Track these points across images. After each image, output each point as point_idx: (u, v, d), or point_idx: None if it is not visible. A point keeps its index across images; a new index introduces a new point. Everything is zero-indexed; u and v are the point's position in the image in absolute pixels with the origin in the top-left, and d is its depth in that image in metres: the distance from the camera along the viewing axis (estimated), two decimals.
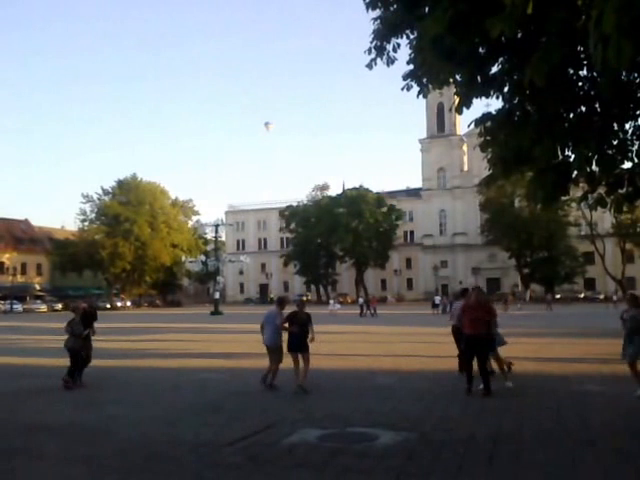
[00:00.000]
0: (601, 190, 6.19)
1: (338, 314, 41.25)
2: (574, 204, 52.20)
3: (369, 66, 6.80)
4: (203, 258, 67.33)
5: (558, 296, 65.34)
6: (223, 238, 76.47)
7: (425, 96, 7.10)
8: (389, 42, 6.63)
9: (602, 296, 66.01)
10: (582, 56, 5.76)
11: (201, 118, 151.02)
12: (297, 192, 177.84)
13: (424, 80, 6.68)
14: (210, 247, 72.64)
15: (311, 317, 10.07)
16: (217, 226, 59.86)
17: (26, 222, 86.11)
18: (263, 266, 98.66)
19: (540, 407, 8.47)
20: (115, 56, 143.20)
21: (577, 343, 17.97)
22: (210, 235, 63.40)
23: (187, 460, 5.99)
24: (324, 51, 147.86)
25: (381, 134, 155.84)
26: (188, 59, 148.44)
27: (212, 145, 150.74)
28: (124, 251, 73.84)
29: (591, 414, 7.95)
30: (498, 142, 6.62)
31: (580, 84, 6.17)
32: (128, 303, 75.01)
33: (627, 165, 6.19)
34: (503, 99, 6.48)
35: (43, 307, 64.70)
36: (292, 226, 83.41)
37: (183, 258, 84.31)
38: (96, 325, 11.77)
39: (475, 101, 6.34)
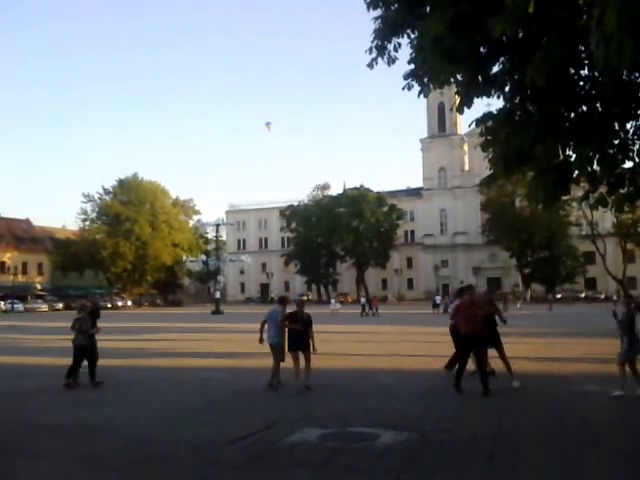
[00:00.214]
0: (602, 190, 6.19)
1: (339, 314, 41.27)
2: (575, 204, 52.21)
3: (370, 65, 6.80)
4: (204, 258, 67.43)
5: (559, 296, 65.39)
6: (224, 237, 76.66)
7: (426, 96, 7.11)
8: (390, 42, 6.64)
9: (603, 296, 66.02)
10: (583, 55, 5.77)
11: (201, 118, 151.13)
12: (298, 192, 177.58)
13: (425, 80, 6.69)
14: (211, 246, 72.88)
15: (312, 319, 10.10)
16: (218, 225, 60.01)
17: (27, 222, 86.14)
18: (264, 266, 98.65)
19: (540, 407, 8.47)
20: (115, 56, 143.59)
21: (577, 343, 17.95)
22: (211, 234, 63.64)
23: (188, 459, 5.99)
24: (324, 51, 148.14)
25: (382, 134, 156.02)
26: (188, 59, 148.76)
27: (213, 145, 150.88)
28: (125, 251, 73.78)
29: (591, 414, 7.94)
30: (499, 142, 6.62)
31: (581, 84, 6.16)
32: (129, 303, 75.03)
33: (628, 165, 6.19)
34: (504, 99, 6.49)
35: (44, 307, 64.64)
36: (293, 226, 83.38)
37: (184, 258, 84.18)
38: (98, 324, 11.76)
39: (476, 101, 6.37)
